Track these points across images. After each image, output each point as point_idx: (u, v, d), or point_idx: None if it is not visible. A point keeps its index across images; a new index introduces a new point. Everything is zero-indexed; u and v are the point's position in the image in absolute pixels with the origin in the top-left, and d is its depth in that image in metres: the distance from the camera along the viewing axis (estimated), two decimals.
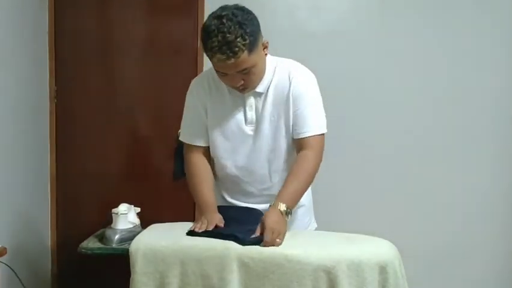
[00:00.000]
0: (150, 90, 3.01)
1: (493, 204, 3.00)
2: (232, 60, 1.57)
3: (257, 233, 1.61)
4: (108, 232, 1.96)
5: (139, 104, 3.02)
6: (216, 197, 1.89)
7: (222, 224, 1.69)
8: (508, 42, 2.93)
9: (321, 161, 1.80)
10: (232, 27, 1.55)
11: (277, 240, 1.59)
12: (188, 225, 1.70)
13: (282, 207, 1.65)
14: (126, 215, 2.00)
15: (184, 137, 1.88)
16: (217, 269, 1.53)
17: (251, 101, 1.76)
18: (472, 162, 2.98)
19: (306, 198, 1.93)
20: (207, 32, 1.58)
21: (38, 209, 2.88)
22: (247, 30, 1.57)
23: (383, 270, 1.54)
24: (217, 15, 1.59)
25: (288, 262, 1.52)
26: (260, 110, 1.77)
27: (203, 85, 1.82)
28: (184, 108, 1.88)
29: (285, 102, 1.75)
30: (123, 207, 2.00)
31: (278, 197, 1.69)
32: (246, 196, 1.85)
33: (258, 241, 1.57)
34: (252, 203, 1.84)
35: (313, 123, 1.76)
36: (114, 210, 1.99)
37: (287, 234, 1.66)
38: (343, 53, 2.95)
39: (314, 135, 1.76)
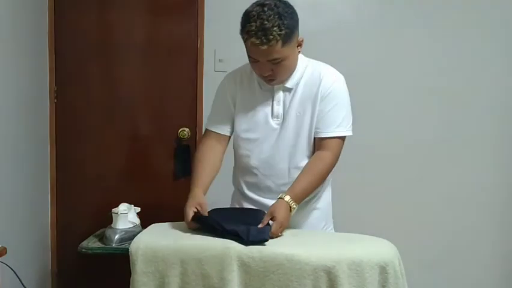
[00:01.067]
0: (150, 90, 3.00)
1: (493, 205, 3.00)
2: (265, 46, 1.64)
3: (264, 222, 1.64)
4: (108, 232, 1.96)
5: (139, 104, 3.01)
6: (234, 190, 1.99)
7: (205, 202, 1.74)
8: (510, 41, 2.94)
9: (336, 163, 1.85)
10: (272, 16, 1.63)
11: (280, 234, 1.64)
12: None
13: (291, 203, 1.70)
14: (126, 215, 2.00)
15: (208, 123, 1.97)
16: (217, 268, 1.53)
17: (280, 95, 1.82)
18: (473, 163, 2.98)
19: (323, 202, 1.95)
20: (247, 17, 1.66)
21: (38, 209, 2.88)
22: (285, 22, 1.64)
23: (383, 270, 1.55)
24: (261, 3, 1.67)
25: (288, 262, 1.52)
26: (287, 105, 1.82)
27: (235, 78, 1.91)
28: (214, 99, 1.98)
29: (313, 100, 1.80)
30: (123, 207, 2.00)
31: (289, 191, 1.72)
32: (264, 191, 1.88)
33: (261, 241, 1.57)
34: (268, 198, 1.85)
35: (337, 124, 1.80)
36: (114, 210, 1.99)
37: (288, 234, 1.66)
38: (343, 53, 2.94)
39: (335, 137, 1.81)
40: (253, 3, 1.70)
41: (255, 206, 1.88)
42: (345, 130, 1.82)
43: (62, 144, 3.00)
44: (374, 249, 1.61)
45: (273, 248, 1.56)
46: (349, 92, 2.92)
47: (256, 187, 1.89)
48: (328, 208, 1.99)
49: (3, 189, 2.40)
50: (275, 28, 1.62)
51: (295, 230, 1.77)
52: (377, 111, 2.97)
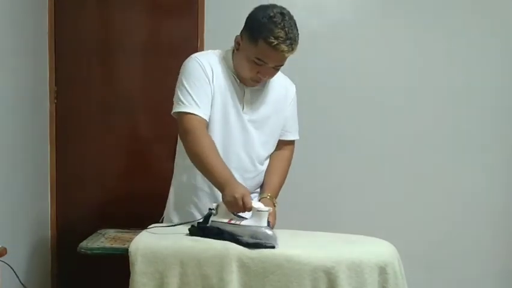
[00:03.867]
0: (150, 90, 3.00)
1: (492, 205, 3.00)
2: (289, 54, 1.70)
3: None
4: (261, 232, 1.56)
5: (139, 104, 3.01)
6: (181, 189, 2.04)
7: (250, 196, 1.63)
8: (509, 41, 2.93)
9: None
10: (293, 27, 1.70)
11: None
12: (188, 226, 1.70)
13: (274, 201, 1.82)
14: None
15: (189, 107, 1.76)
16: (216, 269, 1.53)
17: (249, 92, 1.85)
18: (471, 163, 2.98)
19: None
20: (273, 21, 1.66)
21: (38, 209, 2.88)
22: (298, 33, 1.72)
23: (382, 270, 1.54)
24: (280, 12, 1.69)
25: (288, 262, 1.52)
26: (258, 103, 1.87)
27: (209, 62, 1.82)
28: (188, 77, 1.79)
29: (282, 103, 1.91)
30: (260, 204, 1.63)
31: (269, 191, 1.85)
32: None
33: (262, 243, 1.57)
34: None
35: (298, 129, 2.00)
36: (259, 207, 1.58)
37: (287, 234, 1.66)
38: (343, 53, 2.95)
39: (294, 139, 2.00)
40: (269, 8, 1.70)
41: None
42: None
43: (62, 144, 2.99)
44: (374, 250, 1.61)
45: (272, 248, 1.56)
46: (349, 91, 2.96)
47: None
48: None
49: (3, 189, 2.40)
50: (296, 38, 1.69)
51: (294, 231, 1.77)
52: (377, 111, 2.97)
